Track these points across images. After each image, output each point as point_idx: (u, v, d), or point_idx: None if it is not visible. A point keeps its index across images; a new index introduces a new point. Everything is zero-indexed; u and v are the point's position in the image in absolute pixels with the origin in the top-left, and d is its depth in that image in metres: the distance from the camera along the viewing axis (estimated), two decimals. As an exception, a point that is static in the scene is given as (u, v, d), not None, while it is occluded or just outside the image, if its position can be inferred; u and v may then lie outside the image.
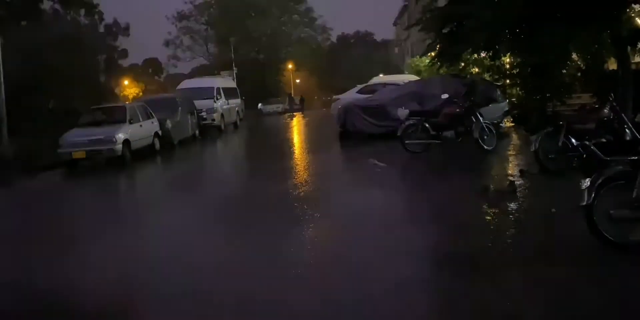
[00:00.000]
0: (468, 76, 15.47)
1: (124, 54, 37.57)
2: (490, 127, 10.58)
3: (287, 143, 17.27)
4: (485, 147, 10.36)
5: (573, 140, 7.32)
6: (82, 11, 28.37)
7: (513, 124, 14.78)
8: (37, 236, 6.47)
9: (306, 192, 8.08)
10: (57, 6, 24.15)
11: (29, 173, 12.18)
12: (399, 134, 10.59)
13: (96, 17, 31.35)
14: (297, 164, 11.55)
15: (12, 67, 14.13)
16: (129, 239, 6.00)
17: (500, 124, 13.70)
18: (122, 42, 35.88)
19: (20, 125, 14.60)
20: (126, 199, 9.61)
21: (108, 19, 33.54)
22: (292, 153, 14.18)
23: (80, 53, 27.40)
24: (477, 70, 16.73)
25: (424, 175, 8.98)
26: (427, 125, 10.53)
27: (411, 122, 10.66)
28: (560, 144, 7.43)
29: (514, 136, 13.35)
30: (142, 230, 6.48)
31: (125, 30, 34.75)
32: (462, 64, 16.05)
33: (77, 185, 11.15)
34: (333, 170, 10.62)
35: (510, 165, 9.38)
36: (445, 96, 11.18)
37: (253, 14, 48.93)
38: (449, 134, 10.69)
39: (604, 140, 5.98)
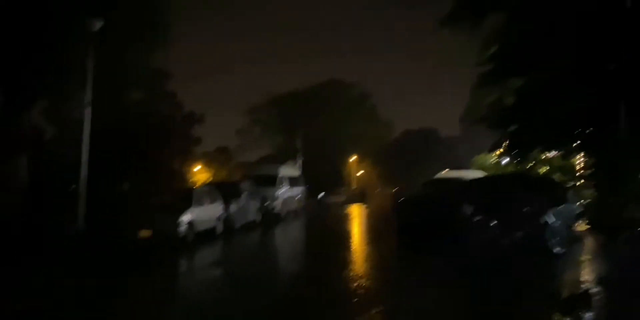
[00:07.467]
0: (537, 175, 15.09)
1: (198, 142, 39.78)
2: (562, 229, 10.02)
3: (345, 234, 17.02)
4: (556, 250, 9.75)
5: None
6: (164, 102, 30.98)
7: (587, 228, 13.92)
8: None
9: (363, 285, 7.77)
10: (142, 96, 26.57)
11: (97, 248, 12.62)
12: (464, 231, 10.22)
13: (175, 107, 34.09)
14: (354, 256, 11.27)
15: (95, 148, 15.29)
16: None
17: (573, 227, 12.95)
18: (196, 130, 38.26)
19: (95, 204, 15.40)
20: (185, 281, 9.60)
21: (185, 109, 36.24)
22: (349, 245, 13.90)
23: (159, 140, 29.43)
24: (546, 169, 16.31)
25: (488, 278, 8.41)
26: (493, 223, 10.13)
27: (477, 218, 10.31)
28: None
29: (588, 240, 12.50)
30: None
31: (200, 120, 37.17)
32: (531, 163, 15.73)
33: (140, 263, 11.28)
34: (389, 263, 10.25)
35: (584, 271, 8.67)
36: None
37: (320, 109, 51.46)
38: (517, 233, 10.18)
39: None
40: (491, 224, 10.08)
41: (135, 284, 8.64)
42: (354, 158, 57.20)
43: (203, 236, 13.85)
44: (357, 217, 26.04)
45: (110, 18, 14.50)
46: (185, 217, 13.08)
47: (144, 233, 12.67)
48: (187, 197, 14.14)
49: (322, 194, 42.29)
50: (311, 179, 36.48)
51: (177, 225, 12.74)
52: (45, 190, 17.84)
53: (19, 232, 13.50)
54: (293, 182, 24.59)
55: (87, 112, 14.68)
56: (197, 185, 24.00)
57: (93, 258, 11.41)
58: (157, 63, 22.97)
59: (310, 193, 34.17)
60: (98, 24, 14.00)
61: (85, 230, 13.91)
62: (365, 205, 35.86)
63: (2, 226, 13.25)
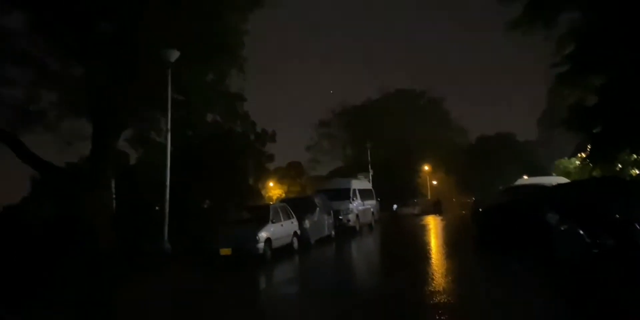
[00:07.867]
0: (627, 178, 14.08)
1: (271, 158, 40.96)
2: (662, 236, 9.23)
3: (423, 248, 16.62)
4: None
5: None
6: (238, 122, 32.38)
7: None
8: None
9: (445, 301, 7.55)
10: (217, 117, 27.77)
11: (182, 267, 13.20)
12: (550, 242, 9.69)
13: (249, 126, 35.53)
14: (433, 270, 10.96)
15: (177, 170, 16.07)
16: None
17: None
18: (269, 147, 39.49)
19: (178, 223, 16.13)
20: (263, 296, 9.81)
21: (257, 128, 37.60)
22: (427, 258, 13.54)
23: (235, 158, 30.64)
24: (638, 172, 15.18)
25: (579, 291, 7.82)
26: (581, 232, 9.53)
27: (563, 228, 9.75)
28: None
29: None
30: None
31: (272, 137, 38.39)
32: (619, 166, 14.74)
33: (222, 280, 11.66)
34: (471, 278, 9.89)
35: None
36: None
37: (390, 120, 51.13)
38: (609, 242, 9.49)
39: None
40: (580, 233, 9.48)
41: (225, 298, 9.01)
42: (427, 167, 56.16)
43: (280, 252, 14.08)
44: (433, 228, 25.43)
45: (185, 46, 15.24)
46: (263, 234, 13.39)
47: (225, 251, 13.10)
48: (264, 214, 14.49)
49: (396, 205, 41.77)
50: (384, 191, 36.21)
51: (256, 242, 13.06)
52: (132, 211, 18.95)
53: (113, 252, 14.44)
54: (365, 194, 24.50)
55: (168, 137, 15.52)
56: (272, 202, 24.56)
57: (183, 275, 11.98)
58: (232, 86, 23.73)
59: (384, 205, 33.85)
60: (175, 55, 14.79)
61: (170, 248, 14.57)
62: (440, 217, 34.95)
63: (97, 247, 14.22)
